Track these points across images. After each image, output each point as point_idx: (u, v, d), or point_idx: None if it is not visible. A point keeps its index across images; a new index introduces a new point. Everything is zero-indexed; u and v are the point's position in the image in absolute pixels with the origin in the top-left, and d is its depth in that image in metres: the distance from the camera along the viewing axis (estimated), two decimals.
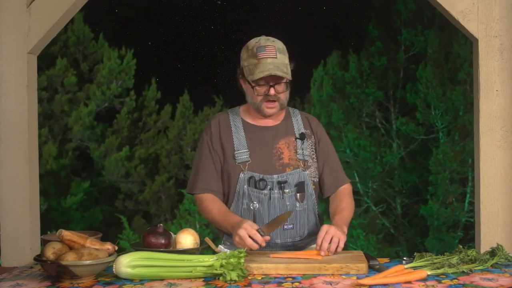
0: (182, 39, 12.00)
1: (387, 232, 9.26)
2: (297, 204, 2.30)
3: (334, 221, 2.25)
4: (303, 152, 2.35)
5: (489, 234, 2.72)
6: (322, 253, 2.05)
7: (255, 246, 2.07)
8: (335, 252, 2.07)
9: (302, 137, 2.37)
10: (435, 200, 8.69)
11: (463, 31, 2.81)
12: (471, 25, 2.75)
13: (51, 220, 8.69)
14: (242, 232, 2.08)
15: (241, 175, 2.30)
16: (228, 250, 2.30)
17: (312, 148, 2.39)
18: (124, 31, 11.16)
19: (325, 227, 2.10)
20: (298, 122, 2.42)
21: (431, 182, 8.88)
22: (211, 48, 12.05)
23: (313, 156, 2.38)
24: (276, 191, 2.28)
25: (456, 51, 8.92)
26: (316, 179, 2.38)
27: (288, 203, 2.29)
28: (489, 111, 2.73)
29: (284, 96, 2.30)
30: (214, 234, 8.87)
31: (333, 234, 2.07)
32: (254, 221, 2.25)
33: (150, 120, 10.60)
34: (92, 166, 10.05)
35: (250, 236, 2.07)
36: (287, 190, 2.29)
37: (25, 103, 2.92)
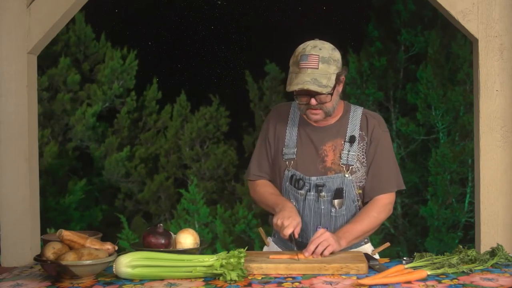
0: (182, 39, 12.00)
1: (387, 232, 9.25)
2: (332, 210, 2.25)
3: (339, 230, 2.19)
4: (348, 156, 2.25)
5: (489, 234, 2.72)
6: (306, 254, 2.03)
7: (286, 236, 2.12)
8: (321, 255, 2.04)
9: (352, 140, 2.27)
10: (435, 200, 8.69)
11: (463, 31, 2.81)
12: (471, 25, 2.75)
13: (51, 219, 8.69)
14: (285, 222, 2.12)
15: (286, 171, 2.30)
16: (275, 244, 2.33)
17: (362, 151, 2.28)
18: (125, 31, 11.16)
19: (321, 231, 2.08)
20: (354, 123, 2.31)
21: (431, 183, 8.88)
22: (211, 48, 12.06)
23: (363, 160, 2.28)
24: (312, 193, 2.25)
25: (455, 51, 8.91)
26: (363, 184, 2.29)
27: (323, 207, 2.25)
28: (489, 111, 2.73)
29: (330, 105, 2.21)
30: (213, 234, 8.88)
31: (325, 239, 2.05)
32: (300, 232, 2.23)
33: (150, 120, 10.60)
34: (92, 166, 10.04)
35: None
36: (323, 194, 2.24)
37: (25, 103, 2.92)
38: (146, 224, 9.53)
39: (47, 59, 9.35)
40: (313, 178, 2.25)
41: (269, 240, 2.42)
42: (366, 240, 2.39)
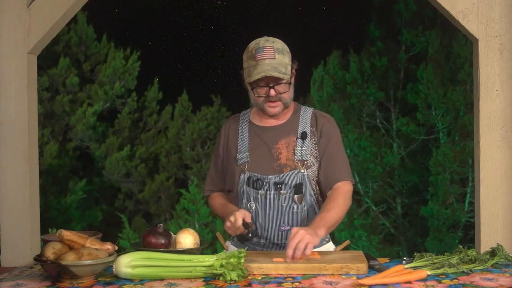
0: (182, 39, 12.00)
1: (388, 232, 9.25)
2: (294, 206, 2.27)
3: (313, 222, 2.13)
4: (302, 152, 2.28)
5: (489, 234, 2.72)
6: (287, 260, 1.95)
7: (240, 225, 2.15)
8: (303, 256, 1.95)
9: (304, 136, 2.31)
10: (435, 200, 8.69)
11: (463, 31, 2.81)
12: (471, 25, 2.75)
13: (52, 219, 8.70)
14: (231, 219, 2.16)
15: (242, 175, 2.32)
16: (235, 247, 2.33)
17: (314, 146, 2.31)
18: (125, 31, 11.17)
19: (293, 231, 1.98)
20: (304, 121, 2.35)
21: (431, 183, 8.88)
22: (211, 48, 12.06)
23: (316, 154, 2.31)
24: (272, 191, 2.27)
25: (456, 51, 8.91)
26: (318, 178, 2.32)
27: (284, 204, 2.27)
28: (489, 111, 2.73)
29: (288, 96, 2.27)
30: (213, 234, 8.88)
31: (300, 239, 1.95)
32: (252, 220, 2.24)
33: (150, 120, 10.61)
34: (93, 166, 10.05)
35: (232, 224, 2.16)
36: (283, 191, 2.26)
37: (25, 103, 2.92)
38: (146, 224, 9.53)
39: (47, 59, 9.36)
40: (271, 176, 2.27)
41: (228, 244, 2.43)
42: (327, 239, 2.39)
